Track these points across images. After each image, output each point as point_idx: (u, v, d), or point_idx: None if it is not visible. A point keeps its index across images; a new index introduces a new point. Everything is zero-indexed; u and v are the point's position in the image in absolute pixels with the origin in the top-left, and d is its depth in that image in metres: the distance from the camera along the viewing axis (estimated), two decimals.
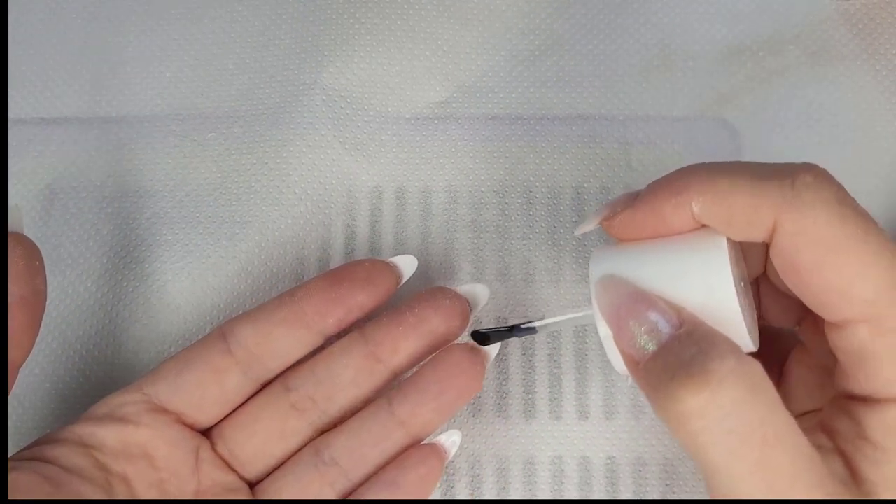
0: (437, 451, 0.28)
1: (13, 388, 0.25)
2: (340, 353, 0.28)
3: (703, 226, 0.23)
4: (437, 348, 0.28)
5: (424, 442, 0.28)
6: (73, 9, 0.36)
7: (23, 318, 0.24)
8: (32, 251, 0.25)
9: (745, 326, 0.22)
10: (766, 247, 0.25)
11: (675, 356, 0.21)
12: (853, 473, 0.21)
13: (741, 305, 0.22)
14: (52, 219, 0.33)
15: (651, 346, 0.22)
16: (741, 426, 0.20)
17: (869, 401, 0.21)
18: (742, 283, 0.24)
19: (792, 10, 0.34)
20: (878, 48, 0.34)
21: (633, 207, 0.23)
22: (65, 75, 0.35)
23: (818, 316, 0.23)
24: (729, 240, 0.23)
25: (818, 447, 0.21)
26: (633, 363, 0.22)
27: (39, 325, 0.25)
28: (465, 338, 0.31)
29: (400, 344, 0.27)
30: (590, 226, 0.25)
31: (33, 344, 0.25)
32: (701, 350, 0.20)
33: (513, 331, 0.27)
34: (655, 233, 0.23)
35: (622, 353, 0.23)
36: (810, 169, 0.21)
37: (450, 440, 0.28)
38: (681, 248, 0.23)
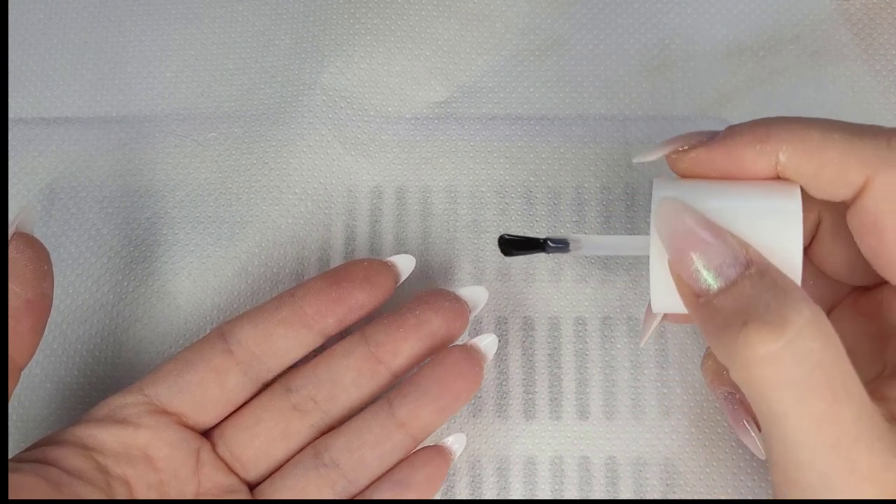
0: (442, 452, 0.28)
1: (15, 390, 0.25)
2: (342, 354, 0.28)
3: (778, 178, 0.22)
4: (438, 349, 0.28)
5: (430, 444, 0.28)
6: (73, 9, 0.36)
7: (29, 321, 0.25)
8: (42, 254, 0.25)
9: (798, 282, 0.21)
10: (816, 224, 0.24)
11: (748, 299, 0.20)
12: None
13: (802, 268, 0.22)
14: (52, 219, 0.33)
15: (714, 283, 0.21)
16: (813, 377, 0.19)
17: None
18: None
19: (792, 10, 0.34)
20: (878, 48, 0.34)
21: (710, 146, 0.23)
22: (65, 75, 0.35)
23: (858, 297, 0.22)
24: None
25: (888, 400, 0.21)
26: (693, 297, 0.21)
27: (44, 329, 0.25)
28: (465, 338, 0.31)
29: (401, 346, 0.27)
30: (654, 155, 0.24)
31: (37, 347, 0.25)
32: (776, 296, 0.20)
33: (543, 245, 0.25)
34: (727, 176, 0.23)
35: (681, 284, 0.22)
36: None
37: (455, 443, 0.29)
38: (753, 191, 0.22)
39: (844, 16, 0.34)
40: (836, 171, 0.21)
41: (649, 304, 0.25)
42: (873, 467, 0.19)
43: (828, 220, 0.24)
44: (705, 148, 0.22)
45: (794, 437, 0.20)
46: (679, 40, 0.34)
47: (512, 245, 0.26)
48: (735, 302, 0.20)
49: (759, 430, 0.25)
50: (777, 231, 0.21)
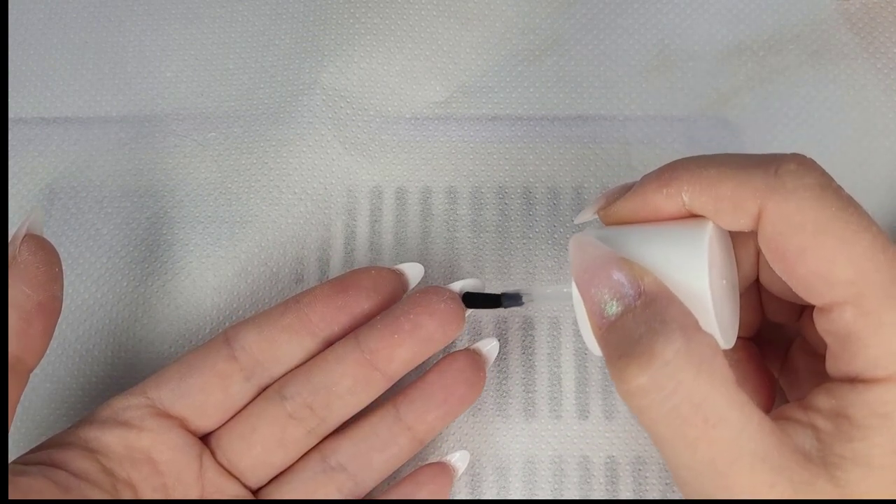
0: (446, 469, 0.29)
1: (24, 392, 0.25)
2: (335, 360, 0.27)
3: (694, 216, 0.23)
4: (434, 352, 0.28)
5: (435, 461, 0.29)
6: (73, 9, 0.36)
7: (40, 323, 0.25)
8: (53, 257, 0.25)
9: (713, 315, 0.22)
10: (756, 253, 0.25)
11: (627, 332, 0.21)
12: (822, 448, 0.21)
13: (715, 295, 0.22)
14: (52, 219, 0.33)
15: (612, 312, 0.22)
16: (682, 406, 0.20)
17: (854, 381, 0.21)
18: (724, 281, 0.24)
19: (792, 10, 0.34)
20: (878, 47, 0.34)
21: (627, 198, 0.24)
22: (65, 75, 0.35)
23: (809, 312, 0.23)
24: (718, 235, 0.23)
25: (792, 420, 0.22)
26: (597, 328, 0.22)
27: (54, 330, 0.25)
28: (465, 336, 0.31)
29: (396, 351, 0.27)
30: (587, 215, 0.25)
31: (46, 349, 0.25)
32: (650, 329, 0.21)
33: (500, 299, 0.27)
34: (646, 220, 0.24)
35: (588, 314, 0.23)
36: (795, 157, 0.22)
37: (459, 461, 0.29)
38: (667, 227, 0.23)
39: (845, 15, 0.34)
40: (731, 203, 0.22)
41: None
42: (756, 485, 0.20)
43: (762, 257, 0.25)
44: (624, 200, 0.24)
45: (674, 459, 0.21)
46: (679, 40, 0.34)
47: (472, 300, 0.28)
48: (618, 335, 0.21)
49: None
50: (685, 258, 0.22)
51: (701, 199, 0.22)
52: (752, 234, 0.25)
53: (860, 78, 0.33)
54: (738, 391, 0.21)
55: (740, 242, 0.25)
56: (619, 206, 0.24)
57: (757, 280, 0.26)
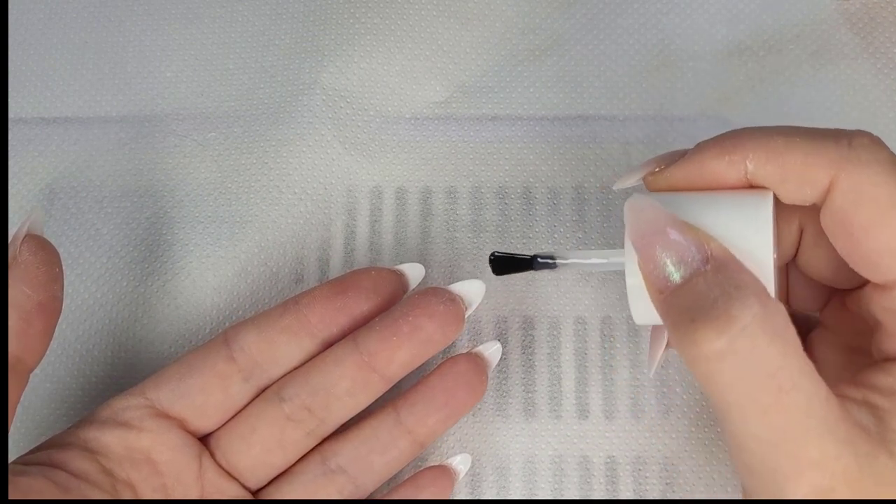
0: (447, 472, 0.29)
1: (24, 393, 0.25)
2: (334, 362, 0.27)
3: (752, 187, 0.23)
4: (433, 354, 0.27)
5: (436, 464, 0.29)
6: (73, 9, 0.36)
7: (40, 323, 0.25)
8: (53, 257, 0.25)
9: (773, 287, 0.22)
10: (799, 232, 0.25)
11: (699, 295, 0.21)
12: (880, 424, 0.21)
13: (774, 267, 0.22)
14: (52, 219, 0.33)
15: (676, 277, 0.21)
16: (758, 372, 0.20)
17: None
18: (776, 255, 0.23)
19: (792, 10, 0.34)
20: (878, 46, 0.34)
21: (682, 164, 0.23)
22: (65, 75, 0.35)
23: (842, 299, 0.22)
24: (773, 204, 0.22)
25: (847, 398, 0.21)
26: (657, 292, 0.22)
27: (54, 330, 0.25)
28: (465, 336, 0.31)
29: (395, 354, 0.27)
30: (631, 180, 0.25)
31: (46, 349, 0.25)
32: (725, 292, 0.20)
33: (532, 262, 0.25)
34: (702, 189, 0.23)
35: (647, 279, 0.22)
36: (866, 133, 0.22)
37: (461, 464, 0.29)
38: (727, 195, 0.23)
39: (845, 15, 0.34)
40: (800, 173, 0.22)
41: (652, 331, 0.25)
42: (824, 456, 0.20)
43: (809, 228, 0.25)
44: (678, 166, 0.23)
45: (741, 427, 0.20)
46: (679, 40, 0.34)
47: (502, 263, 0.26)
48: (687, 298, 0.21)
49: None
50: (747, 228, 0.22)
51: (767, 168, 0.22)
52: (796, 212, 0.24)
53: (860, 78, 0.33)
54: (808, 361, 0.20)
55: (783, 219, 0.25)
56: (672, 171, 0.23)
57: (786, 270, 0.26)
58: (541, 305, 0.31)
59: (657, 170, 0.24)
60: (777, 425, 0.20)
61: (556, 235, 0.32)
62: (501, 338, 0.31)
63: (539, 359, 0.31)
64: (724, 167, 0.22)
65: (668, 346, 0.25)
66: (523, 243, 0.32)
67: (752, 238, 0.22)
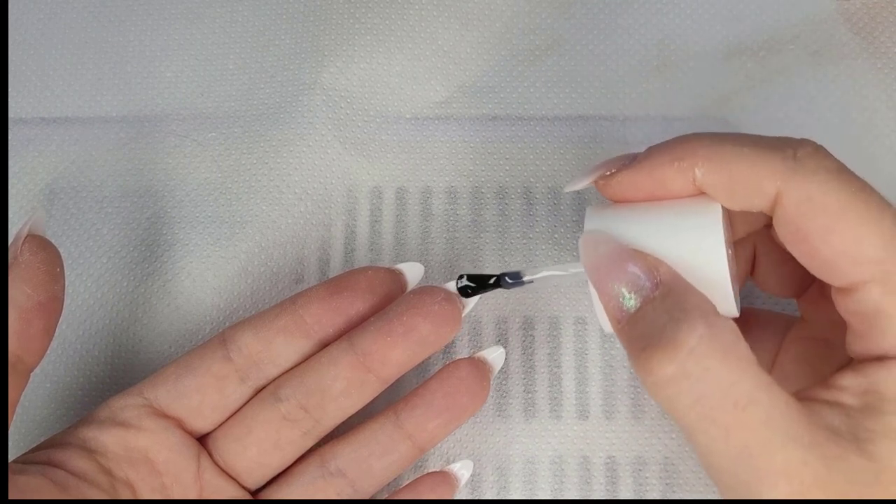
0: (448, 479, 0.29)
1: (24, 392, 0.25)
2: (329, 362, 0.27)
3: (701, 193, 0.23)
4: (429, 355, 0.27)
5: (437, 469, 0.29)
6: (73, 9, 0.36)
7: (40, 322, 0.25)
8: (54, 257, 0.25)
9: (730, 289, 0.22)
10: (753, 252, 0.25)
11: (648, 323, 0.21)
12: (851, 424, 0.21)
13: (730, 274, 0.22)
14: (52, 219, 0.33)
15: (632, 304, 0.22)
16: (713, 392, 0.20)
17: (883, 359, 0.21)
18: (730, 251, 0.24)
19: (792, 10, 0.34)
20: (878, 46, 0.34)
21: (632, 168, 0.23)
22: (65, 75, 0.35)
23: (820, 288, 0.23)
24: (724, 214, 0.23)
25: (817, 400, 0.22)
26: (616, 322, 0.22)
27: (55, 330, 0.25)
28: (464, 335, 0.31)
29: (389, 354, 0.27)
30: (582, 183, 0.25)
31: (47, 349, 0.25)
32: (672, 318, 0.21)
33: (499, 281, 0.26)
34: (652, 196, 0.24)
35: (606, 310, 0.23)
36: (809, 141, 0.22)
37: (462, 469, 0.29)
38: (674, 209, 0.23)
39: (844, 15, 0.34)
40: (747, 183, 0.22)
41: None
42: (791, 464, 0.20)
43: (762, 245, 0.26)
44: (629, 171, 0.23)
45: (708, 446, 0.21)
46: (679, 40, 0.34)
47: (471, 283, 0.27)
48: (639, 327, 0.21)
49: None
50: (698, 242, 0.22)
51: (714, 176, 0.22)
52: (751, 237, 0.25)
53: (860, 78, 0.33)
54: (762, 372, 0.21)
55: (737, 243, 0.25)
56: (622, 176, 0.24)
57: (754, 254, 0.26)
58: (541, 305, 0.31)
59: (608, 174, 0.24)
60: (740, 441, 0.20)
61: (556, 235, 0.32)
62: (501, 338, 0.31)
63: (539, 359, 0.31)
64: (672, 173, 0.23)
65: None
66: (523, 243, 0.32)
67: (705, 253, 0.22)
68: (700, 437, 0.21)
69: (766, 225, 0.26)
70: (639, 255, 0.22)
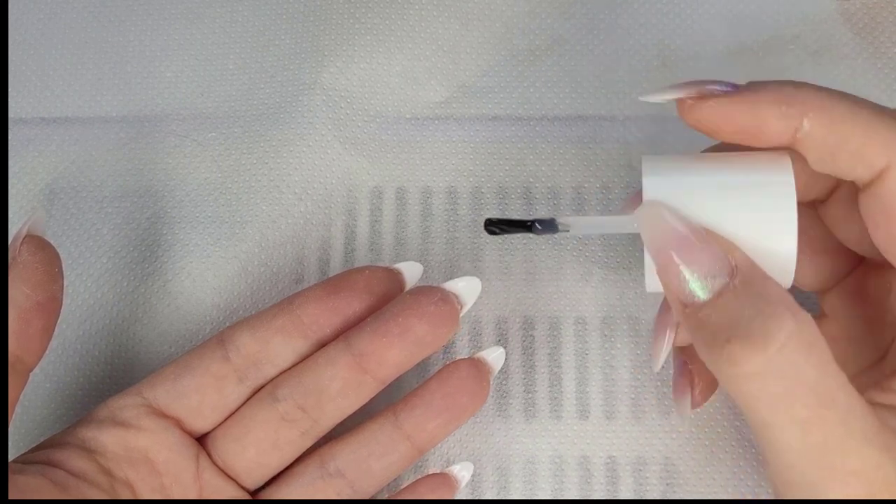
0: (448, 481, 0.29)
1: (24, 392, 0.25)
2: (326, 363, 0.27)
3: (778, 150, 0.21)
4: (427, 355, 0.27)
5: (437, 471, 0.29)
6: (73, 9, 0.36)
7: (39, 322, 0.25)
8: (53, 257, 0.25)
9: (794, 263, 0.21)
10: (834, 185, 0.23)
11: (731, 314, 0.20)
12: None
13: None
14: (52, 219, 0.33)
15: (702, 294, 0.21)
16: (797, 389, 0.20)
17: None
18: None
19: (792, 10, 0.34)
20: (878, 47, 0.34)
21: (732, 99, 0.21)
22: (65, 75, 0.35)
23: (859, 282, 0.22)
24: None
25: (877, 404, 0.21)
26: (682, 306, 0.21)
27: (54, 330, 0.25)
28: (464, 335, 0.31)
29: (386, 355, 0.26)
30: (665, 96, 0.23)
31: (46, 349, 0.25)
32: (759, 310, 0.20)
33: (531, 226, 0.24)
34: (739, 135, 0.22)
35: (669, 291, 0.21)
36: None
37: (462, 471, 0.29)
38: (746, 175, 0.22)
39: (845, 15, 0.34)
40: (857, 148, 0.20)
41: (655, 327, 0.25)
42: (865, 465, 0.20)
43: (808, 229, 0.24)
44: (727, 99, 0.21)
45: (781, 442, 0.20)
46: (679, 40, 0.34)
47: (497, 224, 0.24)
48: (719, 316, 0.20)
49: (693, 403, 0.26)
50: (773, 222, 0.21)
51: (822, 133, 0.21)
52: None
53: (860, 78, 0.33)
54: (840, 371, 0.20)
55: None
56: (717, 104, 0.21)
57: None
58: (541, 305, 0.31)
59: (700, 96, 0.22)
60: (817, 439, 0.20)
61: (556, 236, 0.32)
62: (501, 338, 0.31)
63: (539, 359, 0.31)
64: (776, 117, 0.21)
65: (672, 342, 0.25)
66: (523, 244, 0.32)
67: (777, 234, 0.21)
68: (776, 432, 0.20)
69: (820, 201, 0.24)
70: (710, 239, 0.21)
